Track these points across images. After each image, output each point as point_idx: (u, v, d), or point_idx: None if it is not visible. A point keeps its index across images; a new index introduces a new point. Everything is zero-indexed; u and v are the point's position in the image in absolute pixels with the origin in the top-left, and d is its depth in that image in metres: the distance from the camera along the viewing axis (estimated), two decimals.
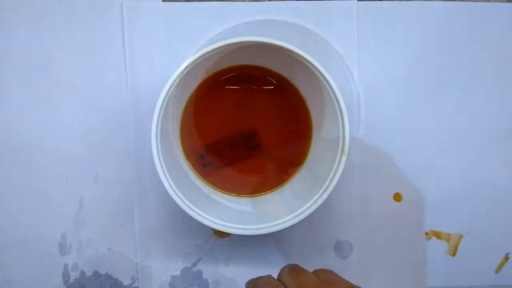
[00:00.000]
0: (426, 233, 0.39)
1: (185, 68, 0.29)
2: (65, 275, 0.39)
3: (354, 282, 0.39)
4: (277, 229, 0.31)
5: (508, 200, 0.39)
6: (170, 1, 0.37)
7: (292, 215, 0.31)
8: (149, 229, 0.39)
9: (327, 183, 0.30)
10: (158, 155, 0.29)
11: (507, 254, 0.39)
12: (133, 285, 0.39)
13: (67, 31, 0.38)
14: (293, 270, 0.26)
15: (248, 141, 0.35)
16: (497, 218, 0.39)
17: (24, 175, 0.38)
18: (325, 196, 0.30)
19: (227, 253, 0.39)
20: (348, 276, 0.39)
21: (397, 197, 0.38)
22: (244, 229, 0.31)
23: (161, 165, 0.30)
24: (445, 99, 0.38)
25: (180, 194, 0.30)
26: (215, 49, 0.29)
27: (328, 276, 0.26)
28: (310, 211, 0.30)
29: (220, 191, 0.36)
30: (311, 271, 0.27)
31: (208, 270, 0.39)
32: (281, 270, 0.27)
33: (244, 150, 0.35)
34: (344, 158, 0.30)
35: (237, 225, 0.31)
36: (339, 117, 0.30)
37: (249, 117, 0.35)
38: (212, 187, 0.36)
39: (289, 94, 0.35)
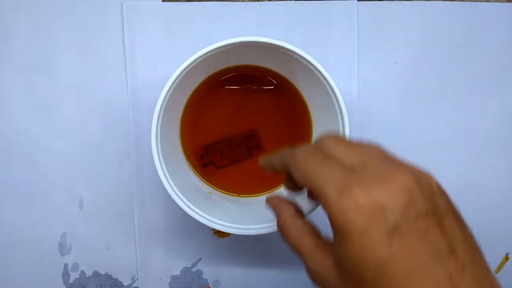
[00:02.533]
0: None
1: (185, 68, 0.29)
2: (65, 275, 0.39)
3: None
4: (277, 229, 0.30)
5: (508, 200, 0.39)
6: (170, 1, 0.37)
7: None
8: (149, 229, 0.39)
9: None
10: (158, 155, 0.29)
11: (507, 254, 0.39)
12: (133, 285, 0.39)
13: (67, 31, 0.38)
14: (337, 140, 0.22)
15: (248, 141, 0.35)
16: (497, 218, 0.39)
17: (24, 175, 0.38)
18: None
19: (227, 253, 0.39)
20: None
21: None
22: (244, 229, 0.31)
23: (161, 165, 0.30)
24: (445, 99, 0.38)
25: (180, 194, 0.30)
26: (215, 49, 0.29)
27: (381, 154, 0.21)
28: (309, 211, 0.30)
29: (220, 191, 0.36)
30: None
31: (208, 270, 0.39)
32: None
33: (244, 150, 0.35)
34: None
35: (237, 225, 0.31)
36: (339, 117, 0.30)
37: (249, 117, 0.35)
38: (212, 187, 0.36)
39: (289, 94, 0.35)
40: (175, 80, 0.29)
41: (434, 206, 0.18)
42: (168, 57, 0.37)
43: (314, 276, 0.21)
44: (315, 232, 0.23)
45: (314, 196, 0.21)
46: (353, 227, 0.18)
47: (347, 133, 0.30)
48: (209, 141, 0.35)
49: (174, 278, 0.39)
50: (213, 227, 0.31)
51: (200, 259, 0.39)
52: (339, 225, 0.18)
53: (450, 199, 0.20)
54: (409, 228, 0.17)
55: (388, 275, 0.17)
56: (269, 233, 0.31)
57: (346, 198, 0.18)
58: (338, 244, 0.19)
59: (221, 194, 0.36)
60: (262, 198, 0.35)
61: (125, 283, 0.39)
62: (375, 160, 0.20)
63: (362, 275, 0.18)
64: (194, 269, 0.39)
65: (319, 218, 0.25)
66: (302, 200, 0.27)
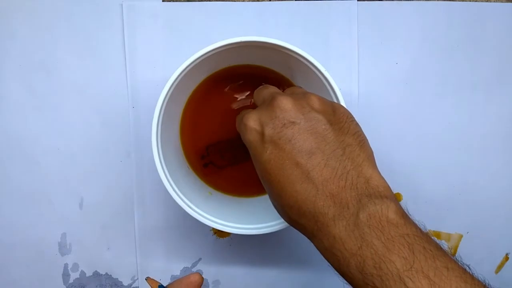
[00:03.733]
0: None
1: (185, 68, 0.29)
2: (65, 275, 0.39)
3: None
4: (277, 229, 0.30)
5: (508, 200, 0.39)
6: (170, 1, 0.37)
7: None
8: (149, 229, 0.39)
9: None
10: (158, 155, 0.29)
11: (507, 254, 0.39)
12: (133, 285, 0.39)
13: (67, 31, 0.38)
14: (260, 88, 0.29)
15: None
16: (497, 218, 0.39)
17: (24, 175, 0.38)
18: None
19: (227, 253, 0.39)
20: None
21: (397, 197, 0.38)
22: (244, 229, 0.31)
23: (161, 165, 0.30)
24: (445, 99, 0.38)
25: (180, 194, 0.30)
26: (215, 49, 0.29)
27: (293, 89, 0.28)
28: None
29: (220, 191, 0.36)
30: None
31: (208, 270, 0.39)
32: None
33: (244, 151, 0.35)
34: None
35: (237, 225, 0.31)
36: None
37: None
38: (212, 187, 0.36)
39: None
40: (175, 80, 0.29)
41: (304, 117, 0.24)
42: (168, 57, 0.37)
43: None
44: None
45: None
46: (246, 141, 0.25)
47: None
48: (210, 141, 0.35)
49: (174, 278, 0.39)
50: (213, 227, 0.31)
51: (200, 259, 0.39)
52: (244, 141, 0.26)
53: (340, 113, 0.25)
54: (278, 136, 0.23)
55: (268, 172, 0.24)
56: (269, 233, 0.31)
57: (242, 124, 0.25)
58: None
59: (221, 194, 0.36)
60: (262, 198, 0.35)
61: (125, 283, 0.39)
62: (273, 95, 0.26)
63: (259, 174, 0.25)
64: (194, 269, 0.39)
65: None
66: None
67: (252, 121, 0.25)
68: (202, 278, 0.28)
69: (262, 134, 0.24)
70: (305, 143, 0.23)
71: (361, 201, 0.21)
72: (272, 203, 0.25)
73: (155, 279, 0.28)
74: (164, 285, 0.27)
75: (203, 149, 0.35)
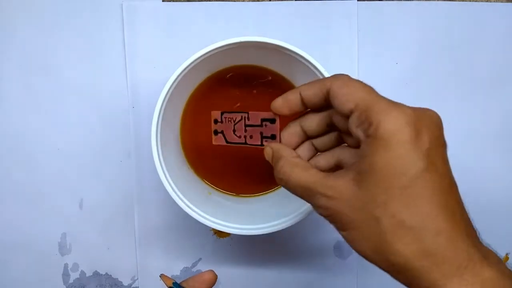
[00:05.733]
0: None
1: (185, 68, 0.29)
2: (65, 275, 0.39)
3: (354, 282, 0.40)
4: (277, 229, 0.30)
5: (508, 200, 0.39)
6: (170, 1, 0.37)
7: (292, 215, 0.31)
8: (149, 229, 0.39)
9: None
10: (158, 155, 0.29)
11: (507, 254, 0.39)
12: (133, 285, 0.39)
13: (67, 31, 0.38)
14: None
15: (266, 126, 0.29)
16: (497, 218, 0.39)
17: (24, 175, 0.38)
18: None
19: (227, 253, 0.39)
20: (348, 276, 0.39)
21: None
22: (244, 229, 0.31)
23: (161, 165, 0.30)
24: (445, 99, 0.38)
25: (180, 194, 0.30)
26: (215, 49, 0.29)
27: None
28: (309, 211, 0.30)
29: (220, 191, 0.36)
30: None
31: None
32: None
33: (258, 134, 0.29)
34: None
35: (237, 225, 0.31)
36: None
37: None
38: (212, 187, 0.36)
39: None
40: (175, 80, 0.29)
41: (445, 143, 0.21)
42: (168, 57, 0.37)
43: (328, 204, 0.21)
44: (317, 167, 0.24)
45: (358, 114, 0.20)
46: (402, 134, 0.18)
47: None
48: (226, 108, 0.30)
49: (174, 278, 0.39)
50: (213, 227, 0.31)
51: (200, 259, 0.39)
52: (388, 131, 0.19)
53: None
54: (435, 152, 0.20)
55: (412, 196, 0.18)
56: (269, 233, 0.31)
57: (398, 110, 0.19)
58: (374, 152, 0.19)
59: (221, 194, 0.36)
60: (262, 198, 0.35)
61: (125, 283, 0.39)
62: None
63: (393, 182, 0.18)
64: (194, 269, 0.39)
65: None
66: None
67: (412, 111, 0.19)
68: (216, 276, 0.26)
69: (417, 136, 0.19)
70: (450, 172, 0.21)
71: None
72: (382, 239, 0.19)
73: (169, 276, 0.28)
74: (178, 282, 0.27)
75: (219, 114, 0.30)
